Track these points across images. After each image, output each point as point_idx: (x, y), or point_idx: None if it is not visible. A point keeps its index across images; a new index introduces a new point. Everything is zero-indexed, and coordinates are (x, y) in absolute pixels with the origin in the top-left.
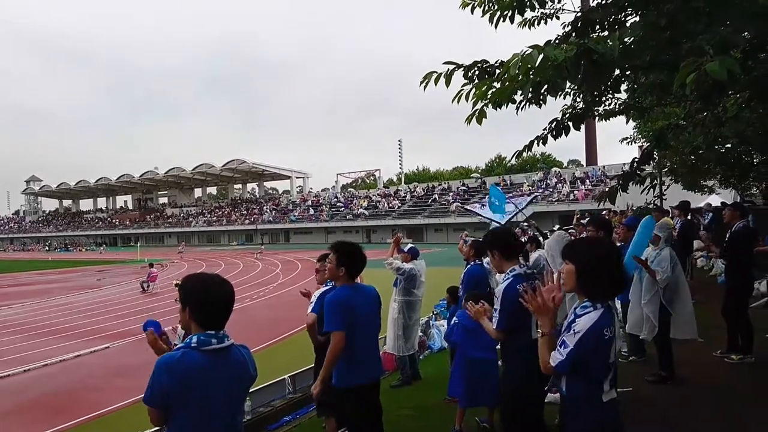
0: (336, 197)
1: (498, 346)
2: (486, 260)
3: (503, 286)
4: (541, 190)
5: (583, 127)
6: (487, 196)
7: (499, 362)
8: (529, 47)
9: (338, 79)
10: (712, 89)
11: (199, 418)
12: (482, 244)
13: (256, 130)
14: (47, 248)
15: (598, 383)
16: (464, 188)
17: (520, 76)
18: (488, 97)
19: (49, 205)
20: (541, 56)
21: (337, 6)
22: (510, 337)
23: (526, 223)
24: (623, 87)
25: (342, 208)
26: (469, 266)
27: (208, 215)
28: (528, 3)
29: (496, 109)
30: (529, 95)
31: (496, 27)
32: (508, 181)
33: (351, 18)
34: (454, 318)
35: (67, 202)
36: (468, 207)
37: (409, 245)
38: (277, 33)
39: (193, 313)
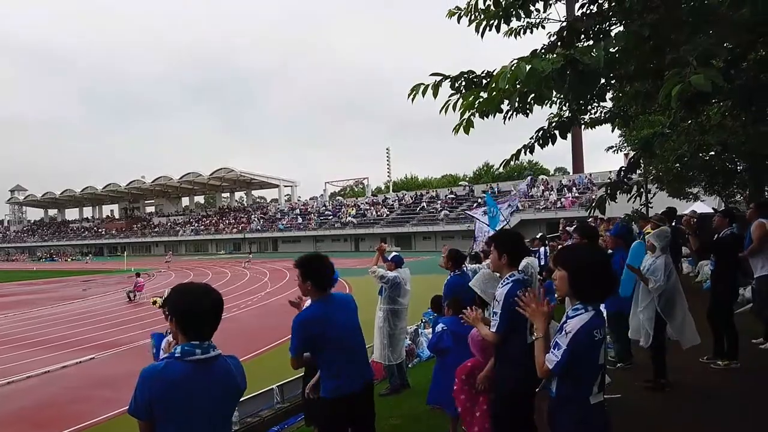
0: (324, 205)
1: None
2: (473, 267)
3: (504, 290)
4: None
5: (569, 135)
6: (484, 206)
7: None
8: (516, 59)
9: (327, 86)
10: (696, 98)
11: (184, 429)
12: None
13: (244, 138)
14: (32, 258)
15: (587, 385)
16: (452, 196)
17: (507, 86)
18: (475, 107)
19: (34, 214)
20: (529, 68)
21: (326, 12)
22: (506, 342)
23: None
24: (608, 95)
25: (330, 217)
26: (449, 277)
27: (196, 224)
28: (513, 12)
29: (483, 119)
30: (516, 105)
31: (482, 36)
32: (496, 189)
33: (339, 25)
34: (440, 325)
35: (52, 212)
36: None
37: (393, 253)
38: (264, 40)
39: (179, 323)
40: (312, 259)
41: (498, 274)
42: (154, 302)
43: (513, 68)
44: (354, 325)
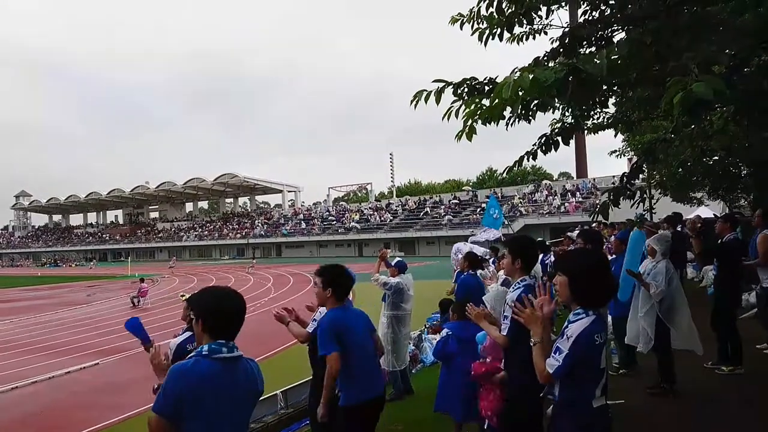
0: (328, 211)
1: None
2: (481, 272)
3: (514, 294)
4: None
5: (572, 140)
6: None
7: None
8: (519, 69)
9: (330, 91)
10: (698, 105)
11: (207, 428)
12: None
13: (248, 143)
14: (37, 264)
15: (589, 388)
16: (456, 201)
17: (510, 95)
18: (478, 114)
19: (39, 220)
20: (532, 77)
21: (328, 17)
22: (516, 346)
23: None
24: (611, 101)
25: (334, 222)
26: (462, 276)
27: (200, 229)
28: (516, 20)
29: (485, 125)
30: (519, 112)
31: (485, 45)
32: (499, 194)
33: (342, 30)
34: (445, 330)
35: (56, 217)
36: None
37: (397, 259)
38: (265, 47)
39: (205, 322)
40: (335, 268)
41: (496, 284)
42: (182, 296)
43: (516, 78)
44: (368, 338)
